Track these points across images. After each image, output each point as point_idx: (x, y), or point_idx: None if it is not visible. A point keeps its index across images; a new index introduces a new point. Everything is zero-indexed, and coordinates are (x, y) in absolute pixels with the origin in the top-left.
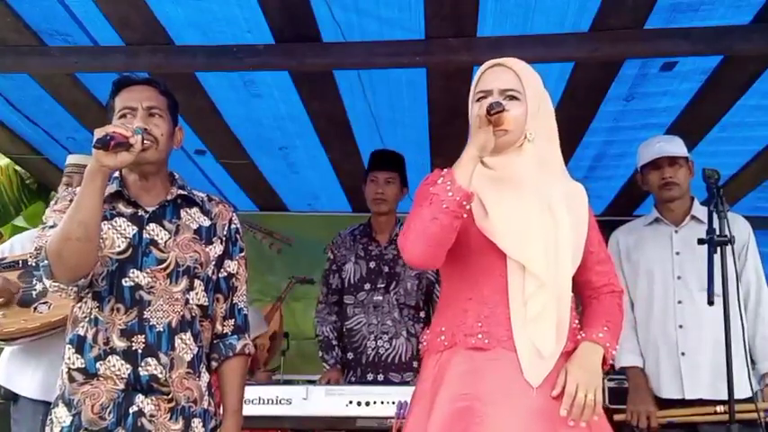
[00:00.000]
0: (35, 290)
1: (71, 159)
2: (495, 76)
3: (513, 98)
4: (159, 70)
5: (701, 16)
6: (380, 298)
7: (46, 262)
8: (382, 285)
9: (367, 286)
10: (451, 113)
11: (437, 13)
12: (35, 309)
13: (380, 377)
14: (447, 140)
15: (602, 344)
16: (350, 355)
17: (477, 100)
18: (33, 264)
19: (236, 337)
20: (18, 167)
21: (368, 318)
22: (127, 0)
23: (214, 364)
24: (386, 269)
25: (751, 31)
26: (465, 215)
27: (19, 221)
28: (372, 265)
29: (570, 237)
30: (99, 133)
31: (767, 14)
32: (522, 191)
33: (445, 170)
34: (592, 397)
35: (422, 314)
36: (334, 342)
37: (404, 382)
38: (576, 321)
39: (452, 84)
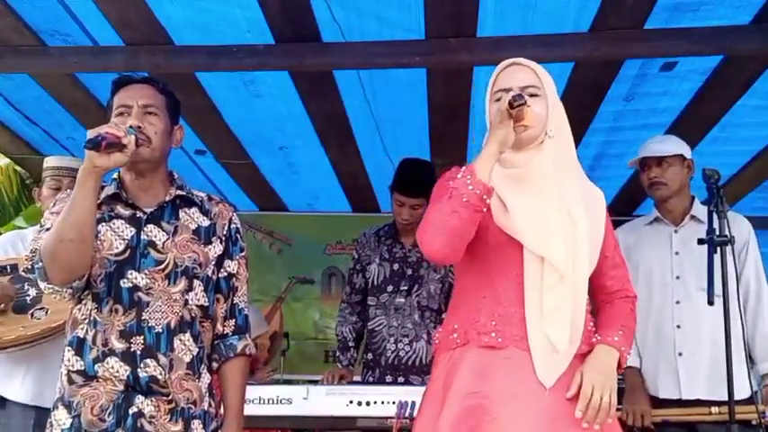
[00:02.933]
0: (28, 295)
1: (52, 162)
2: (512, 74)
3: (533, 95)
4: (159, 70)
5: (701, 16)
6: (402, 300)
7: (40, 264)
8: (405, 288)
9: (390, 288)
10: (451, 113)
11: (437, 13)
12: (32, 315)
13: (401, 379)
14: (447, 140)
15: (618, 347)
16: (369, 356)
17: (498, 99)
18: (29, 266)
19: (236, 337)
20: (18, 167)
21: (389, 320)
22: (127, 0)
23: (215, 364)
24: (409, 272)
25: (751, 31)
26: (485, 209)
27: (19, 221)
28: (396, 267)
29: (587, 237)
30: (91, 134)
31: (767, 14)
32: (541, 188)
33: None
34: (607, 399)
35: (443, 317)
36: (351, 344)
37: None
38: (591, 324)
39: (452, 84)
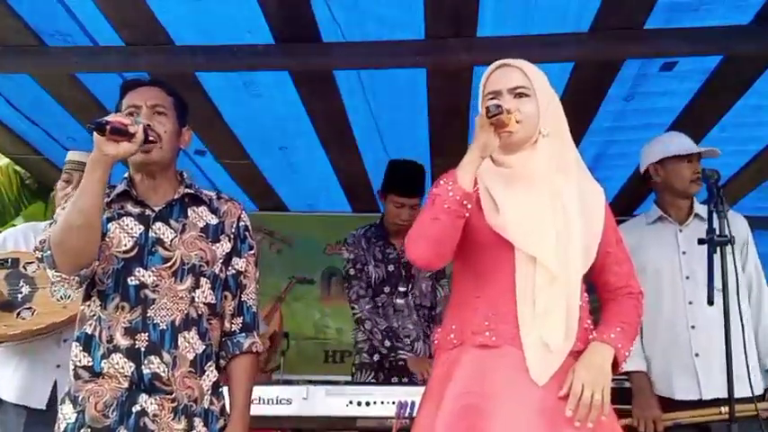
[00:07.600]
0: (20, 293)
1: (71, 156)
2: (502, 75)
3: (522, 95)
4: (159, 70)
5: (701, 16)
6: (401, 301)
7: (49, 252)
8: (402, 289)
9: (387, 289)
10: (451, 113)
11: (437, 13)
12: (18, 314)
13: (405, 380)
14: (447, 140)
15: (614, 344)
16: (376, 357)
17: (490, 99)
18: (38, 257)
19: (243, 335)
20: (18, 167)
21: (389, 321)
22: (127, 0)
23: (222, 362)
24: (404, 272)
25: (751, 31)
26: (467, 214)
27: (19, 221)
28: (392, 268)
29: (581, 237)
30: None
31: (767, 14)
32: (534, 188)
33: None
34: (599, 397)
35: (434, 313)
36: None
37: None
38: (588, 321)
39: (452, 84)
